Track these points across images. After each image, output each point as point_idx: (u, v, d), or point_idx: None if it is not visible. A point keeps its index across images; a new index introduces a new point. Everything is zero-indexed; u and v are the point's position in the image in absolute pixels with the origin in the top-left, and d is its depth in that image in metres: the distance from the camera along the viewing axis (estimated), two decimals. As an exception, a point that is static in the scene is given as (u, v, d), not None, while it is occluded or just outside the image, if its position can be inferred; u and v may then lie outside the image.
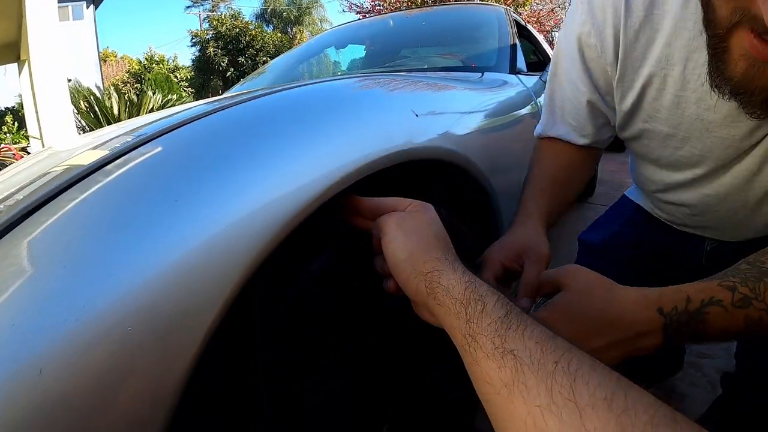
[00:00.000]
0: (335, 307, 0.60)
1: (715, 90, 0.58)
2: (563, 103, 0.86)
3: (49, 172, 0.56)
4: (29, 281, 0.38)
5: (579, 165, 0.90)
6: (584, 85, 0.80)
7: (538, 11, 14.39)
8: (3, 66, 9.61)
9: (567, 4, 19.95)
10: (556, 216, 0.82)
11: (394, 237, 0.54)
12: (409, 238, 0.53)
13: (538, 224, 0.74)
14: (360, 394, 0.67)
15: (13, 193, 0.53)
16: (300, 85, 0.74)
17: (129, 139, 0.55)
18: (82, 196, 0.45)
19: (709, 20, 0.54)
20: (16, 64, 8.83)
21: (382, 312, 0.66)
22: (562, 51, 0.83)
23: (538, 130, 0.95)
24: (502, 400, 0.38)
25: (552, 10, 15.62)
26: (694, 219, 0.88)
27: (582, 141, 0.87)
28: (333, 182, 0.54)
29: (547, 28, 14.85)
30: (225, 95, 1.16)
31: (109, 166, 0.49)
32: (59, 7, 6.29)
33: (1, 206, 0.51)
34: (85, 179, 0.47)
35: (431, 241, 0.53)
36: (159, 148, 0.51)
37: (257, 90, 0.79)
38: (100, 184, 0.46)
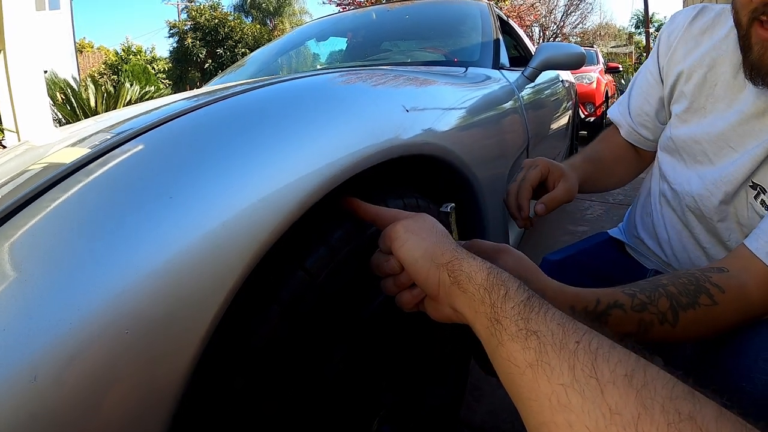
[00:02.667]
0: (331, 303, 0.60)
1: (747, 76, 0.74)
2: (634, 86, 1.05)
3: (28, 170, 0.55)
4: (18, 283, 0.37)
5: (622, 157, 1.08)
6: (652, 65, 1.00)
7: (518, 6, 14.45)
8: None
9: (547, 1, 20.12)
10: (591, 185, 1.01)
11: (406, 239, 0.55)
12: (420, 236, 0.55)
13: (577, 177, 0.93)
14: (354, 390, 0.67)
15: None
16: (289, 79, 0.73)
17: (109, 137, 0.54)
18: (68, 194, 0.44)
19: (737, 26, 0.74)
20: (-11, 54, 8.61)
21: (377, 308, 0.66)
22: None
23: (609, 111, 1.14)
24: (526, 380, 0.39)
25: (533, 5, 15.72)
26: (659, 256, 1.01)
27: (623, 131, 1.06)
28: (329, 177, 0.55)
29: (527, 22, 14.95)
30: (204, 88, 1.14)
31: (94, 163, 0.48)
32: (35, -4, 6.16)
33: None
34: (71, 177, 0.46)
35: (442, 237, 0.56)
36: (146, 145, 0.50)
37: (242, 84, 0.78)
38: (88, 181, 0.45)
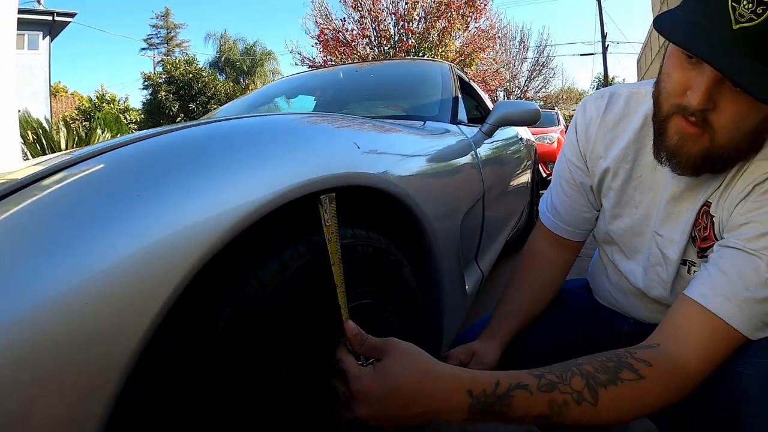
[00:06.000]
0: (275, 325, 0.62)
1: (656, 157, 0.77)
2: (560, 186, 1.02)
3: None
4: None
5: (558, 264, 1.05)
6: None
7: (483, 71, 15.06)
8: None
9: (511, 66, 21.03)
10: (527, 323, 1.00)
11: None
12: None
13: (497, 344, 0.92)
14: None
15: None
16: (241, 117, 0.78)
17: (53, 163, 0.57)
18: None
19: (656, 107, 0.75)
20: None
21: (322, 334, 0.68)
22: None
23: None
24: None
25: (497, 70, 16.40)
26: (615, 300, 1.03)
27: (563, 233, 1.02)
28: (262, 203, 0.59)
29: (492, 87, 15.56)
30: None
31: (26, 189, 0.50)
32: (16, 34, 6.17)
33: None
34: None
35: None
36: (95, 167, 0.54)
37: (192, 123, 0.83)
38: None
